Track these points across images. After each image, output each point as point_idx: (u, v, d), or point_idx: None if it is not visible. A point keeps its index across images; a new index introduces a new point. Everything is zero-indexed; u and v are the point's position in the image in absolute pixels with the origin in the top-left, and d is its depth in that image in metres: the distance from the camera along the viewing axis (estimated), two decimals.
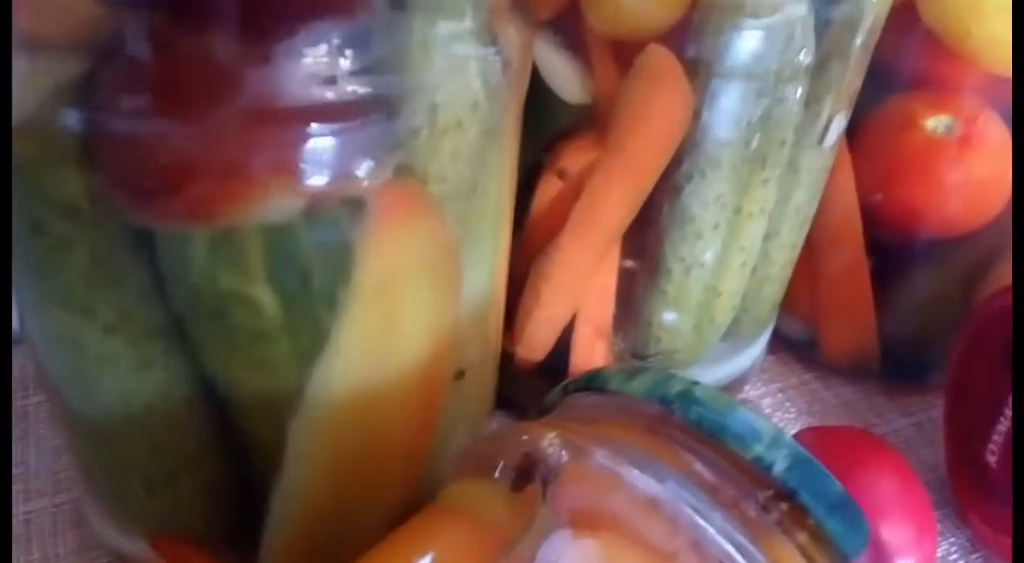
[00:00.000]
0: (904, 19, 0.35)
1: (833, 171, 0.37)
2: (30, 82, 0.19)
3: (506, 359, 0.34)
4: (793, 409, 0.43)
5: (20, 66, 0.19)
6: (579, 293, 0.32)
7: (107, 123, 0.19)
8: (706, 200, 0.30)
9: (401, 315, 0.24)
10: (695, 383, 0.24)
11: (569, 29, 0.27)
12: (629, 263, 0.32)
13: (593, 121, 0.28)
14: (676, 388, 0.24)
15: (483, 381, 0.31)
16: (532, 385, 0.35)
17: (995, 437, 0.36)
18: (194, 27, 0.19)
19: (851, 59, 0.30)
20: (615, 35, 0.27)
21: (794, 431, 0.41)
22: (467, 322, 0.28)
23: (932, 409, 0.43)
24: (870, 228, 0.40)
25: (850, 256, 0.41)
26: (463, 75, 0.22)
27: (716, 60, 0.27)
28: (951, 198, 0.38)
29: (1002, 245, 0.40)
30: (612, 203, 0.29)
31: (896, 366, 0.44)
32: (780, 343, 0.45)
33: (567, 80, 0.28)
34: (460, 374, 0.28)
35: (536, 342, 0.33)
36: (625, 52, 0.27)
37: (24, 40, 0.19)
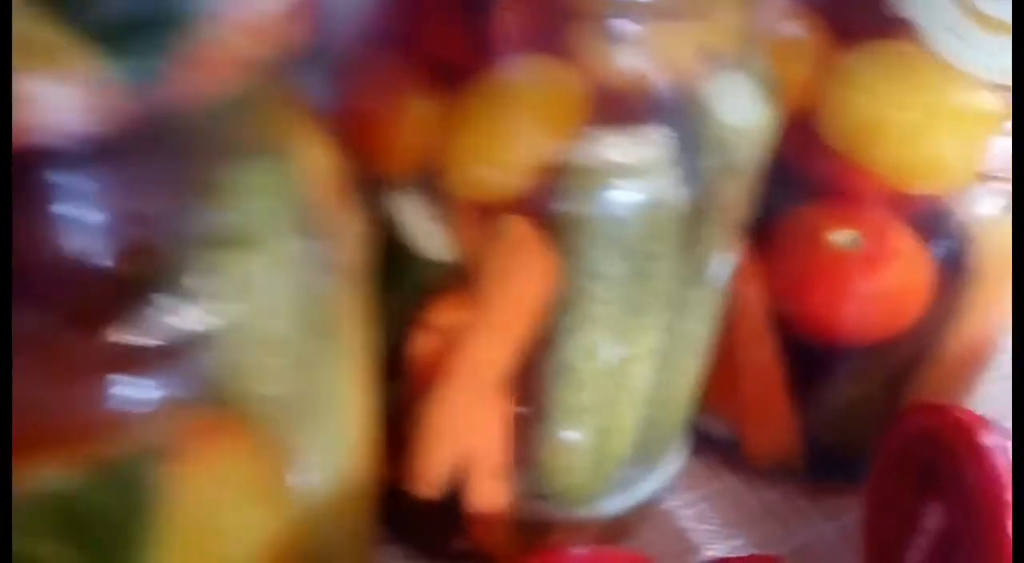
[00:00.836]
0: (807, 131, 0.34)
1: (740, 280, 0.36)
2: None
3: (404, 497, 0.33)
4: (717, 519, 0.42)
5: None
6: (463, 437, 0.31)
7: None
8: (586, 351, 0.28)
9: (222, 545, 0.23)
10: None
11: (431, 190, 0.26)
12: (521, 409, 0.31)
13: (461, 278, 0.27)
14: None
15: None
16: (431, 523, 0.34)
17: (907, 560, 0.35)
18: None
19: (730, 203, 0.29)
20: (474, 198, 0.26)
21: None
22: (312, 518, 0.26)
23: (858, 511, 0.42)
24: (786, 331, 0.39)
25: (762, 360, 0.40)
26: (273, 296, 0.21)
27: (583, 220, 0.26)
28: (861, 309, 0.37)
29: (926, 348, 0.39)
30: (484, 357, 0.28)
31: (821, 467, 0.43)
32: (705, 444, 0.44)
33: (431, 239, 0.27)
34: None
35: (425, 481, 0.32)
36: (488, 213, 0.26)
37: None
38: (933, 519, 0.34)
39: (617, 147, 0.25)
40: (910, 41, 0.32)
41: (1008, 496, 0.31)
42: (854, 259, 0.36)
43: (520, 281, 0.26)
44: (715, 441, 0.44)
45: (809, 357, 0.40)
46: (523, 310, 0.27)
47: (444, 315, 0.28)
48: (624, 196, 0.25)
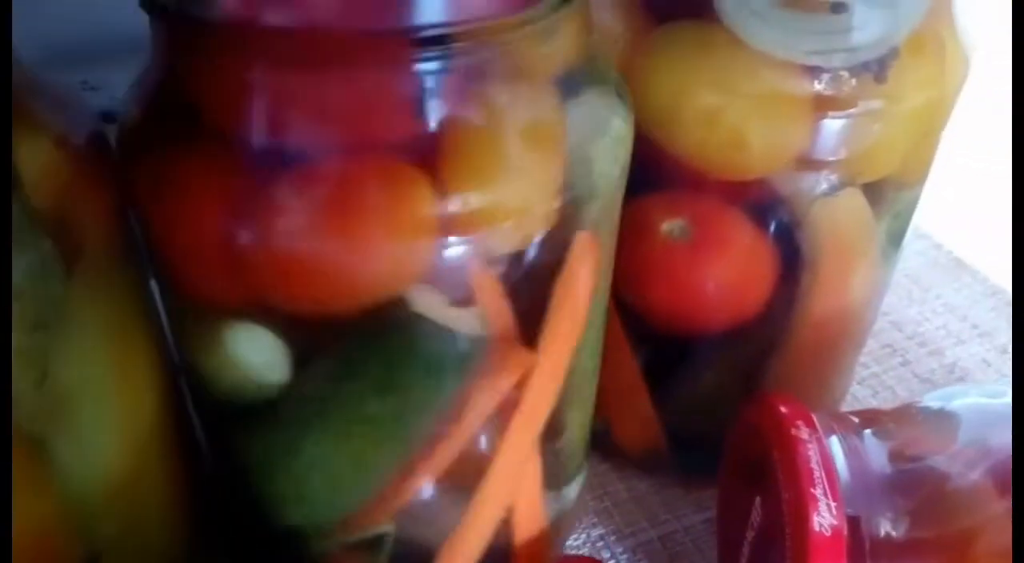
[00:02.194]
0: None
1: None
2: None
3: None
4: None
5: None
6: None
7: None
8: None
9: None
10: None
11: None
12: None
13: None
14: None
15: (138, 554, 0.29)
16: None
17: (741, 559, 0.34)
18: None
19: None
20: None
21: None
22: (89, 502, 0.26)
23: None
24: (635, 325, 0.39)
25: (616, 351, 0.39)
26: None
27: None
28: (700, 299, 0.37)
29: (773, 336, 0.38)
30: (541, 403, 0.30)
31: (687, 460, 0.42)
32: None
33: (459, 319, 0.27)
34: (93, 560, 0.27)
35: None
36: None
37: None
38: (756, 514, 0.33)
39: None
40: (713, 21, 0.31)
41: (814, 490, 0.30)
42: (685, 248, 0.35)
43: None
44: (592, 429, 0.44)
45: (662, 348, 0.40)
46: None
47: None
48: None
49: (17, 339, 0.23)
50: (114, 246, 0.26)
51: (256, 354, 0.26)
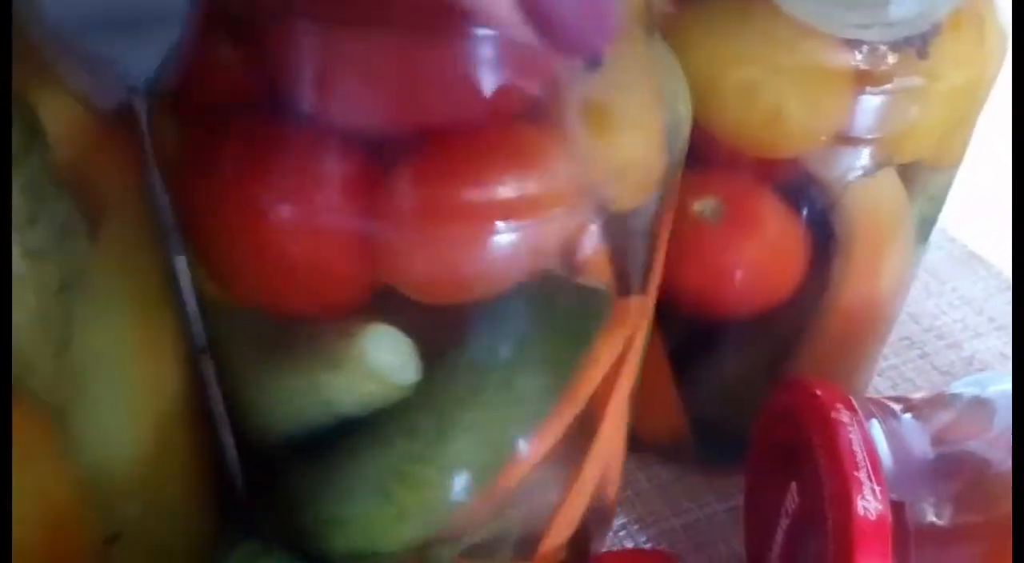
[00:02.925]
0: None
1: None
2: None
3: None
4: None
5: None
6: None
7: None
8: None
9: None
10: None
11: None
12: None
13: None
14: None
15: (159, 533, 0.28)
16: None
17: (774, 547, 0.34)
18: None
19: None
20: None
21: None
22: (111, 478, 0.25)
23: None
24: (663, 310, 0.38)
25: None
26: None
27: None
28: (729, 280, 0.36)
29: (804, 321, 0.37)
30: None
31: (710, 447, 0.41)
32: None
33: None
34: (113, 538, 0.26)
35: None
36: None
37: None
38: (792, 500, 0.32)
39: None
40: None
41: (857, 474, 0.29)
42: (715, 229, 0.34)
43: None
44: None
45: (689, 333, 0.39)
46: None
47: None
48: None
49: (40, 302, 0.22)
50: (139, 214, 0.25)
51: (391, 356, 0.24)
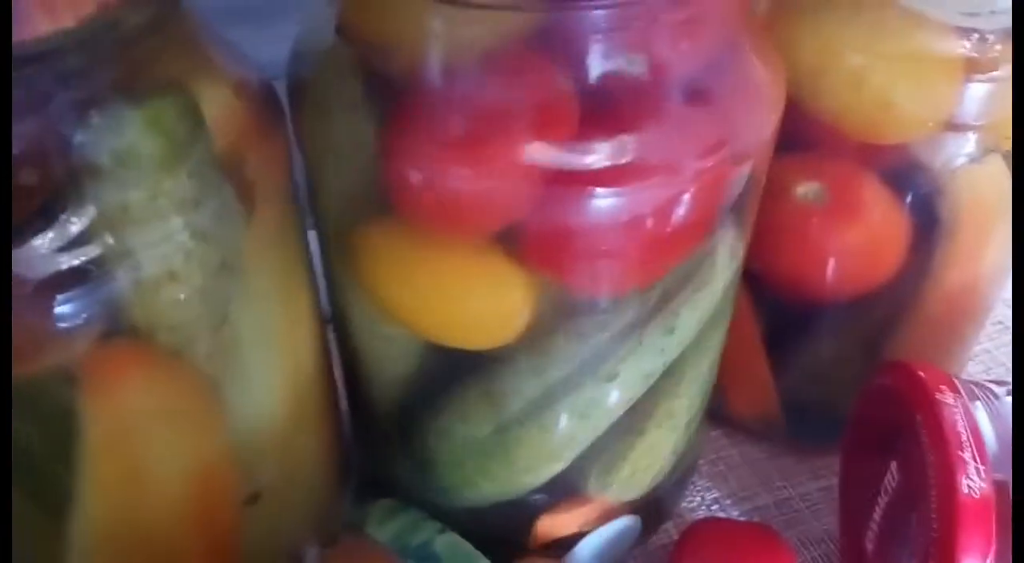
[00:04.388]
0: None
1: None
2: None
3: None
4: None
5: None
6: None
7: None
8: None
9: (147, 463, 0.24)
10: (441, 532, 0.23)
11: None
12: None
13: None
14: (417, 539, 0.23)
15: (291, 495, 0.30)
16: None
17: (872, 525, 0.34)
18: None
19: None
20: None
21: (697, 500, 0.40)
22: (254, 442, 0.27)
23: None
24: (761, 289, 0.39)
25: (737, 318, 0.39)
26: (163, 230, 0.22)
27: None
28: (830, 265, 0.36)
29: (903, 304, 0.38)
30: None
31: (802, 428, 0.42)
32: None
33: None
34: (253, 498, 0.28)
35: None
36: None
37: None
38: (892, 479, 0.33)
39: None
40: None
41: (961, 453, 0.30)
42: (820, 213, 0.35)
43: None
44: None
45: (786, 315, 0.39)
46: None
47: None
48: None
49: (202, 281, 0.24)
50: (285, 195, 0.27)
51: None
